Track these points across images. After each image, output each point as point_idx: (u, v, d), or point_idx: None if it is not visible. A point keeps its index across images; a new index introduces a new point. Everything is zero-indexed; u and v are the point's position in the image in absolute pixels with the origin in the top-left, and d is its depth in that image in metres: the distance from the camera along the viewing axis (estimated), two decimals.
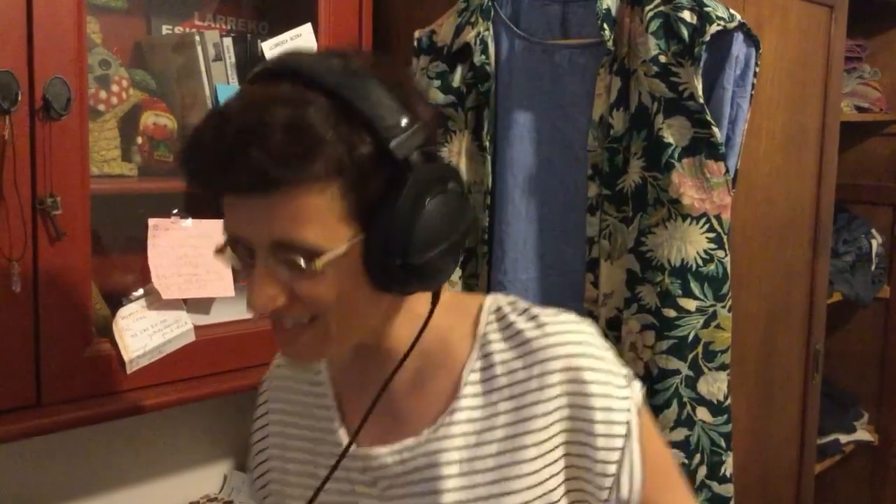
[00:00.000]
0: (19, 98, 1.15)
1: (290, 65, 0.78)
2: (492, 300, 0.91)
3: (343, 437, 0.91)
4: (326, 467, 0.89)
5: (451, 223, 0.79)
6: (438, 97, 1.43)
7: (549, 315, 0.88)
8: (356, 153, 0.74)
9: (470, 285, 1.45)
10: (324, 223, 0.76)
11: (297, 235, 0.76)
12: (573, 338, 0.86)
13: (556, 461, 0.84)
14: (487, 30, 1.40)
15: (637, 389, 0.88)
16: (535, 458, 0.84)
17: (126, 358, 1.30)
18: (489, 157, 1.41)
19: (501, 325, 0.88)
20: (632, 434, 0.85)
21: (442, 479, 0.85)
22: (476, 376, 0.87)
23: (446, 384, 0.88)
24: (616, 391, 0.85)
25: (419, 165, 0.77)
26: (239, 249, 0.81)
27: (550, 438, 0.84)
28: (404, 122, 0.76)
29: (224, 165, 0.74)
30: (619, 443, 0.84)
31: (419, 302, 0.87)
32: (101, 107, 1.37)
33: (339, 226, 0.77)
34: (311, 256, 0.76)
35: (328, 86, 0.75)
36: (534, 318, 0.87)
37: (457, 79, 1.43)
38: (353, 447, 0.88)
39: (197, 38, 1.45)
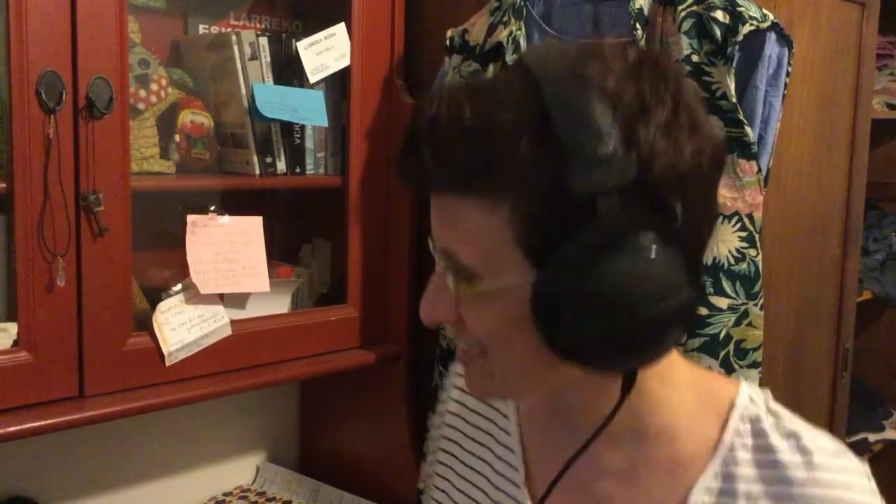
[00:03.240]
0: (64, 97, 1.18)
1: (530, 57, 0.65)
2: (747, 400, 0.74)
3: None
4: None
5: (637, 292, 0.61)
6: None
7: (823, 451, 0.70)
8: (537, 178, 0.61)
9: None
10: (488, 247, 0.64)
11: (457, 249, 0.66)
12: (848, 497, 0.67)
13: None
14: (520, 29, 1.41)
15: None
16: None
17: (165, 351, 1.33)
18: None
19: (757, 444, 0.71)
20: None
21: None
22: (710, 499, 0.70)
23: (668, 492, 0.72)
24: None
25: (611, 210, 0.59)
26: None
27: None
28: (604, 151, 0.59)
29: (402, 156, 0.67)
30: None
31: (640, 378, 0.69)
32: (141, 105, 1.39)
33: (507, 256, 0.64)
34: (467, 277, 0.66)
35: (542, 92, 0.61)
36: (804, 450, 0.70)
37: None
38: None
39: (233, 37, 1.47)
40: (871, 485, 0.70)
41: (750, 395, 0.74)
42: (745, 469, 0.70)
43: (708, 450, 0.72)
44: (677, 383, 0.74)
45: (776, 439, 0.70)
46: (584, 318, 0.61)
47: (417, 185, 0.69)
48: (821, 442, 0.71)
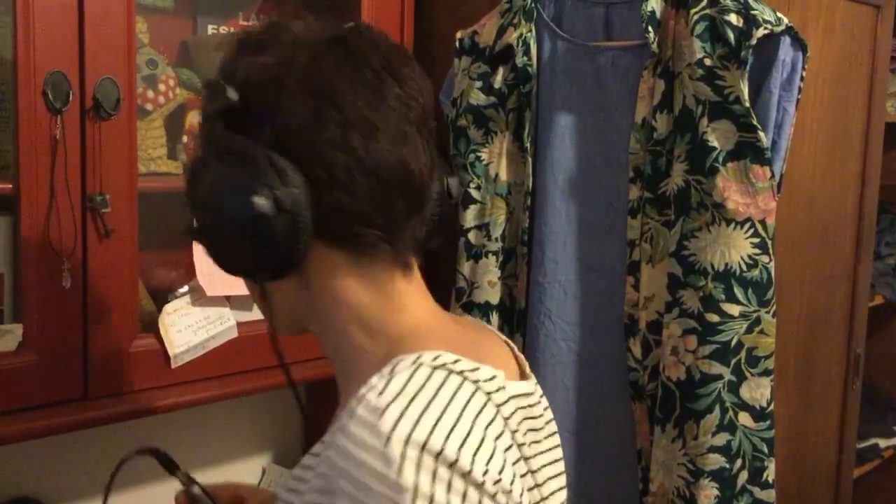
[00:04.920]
0: (70, 98, 1.18)
1: None
2: (407, 362, 0.71)
3: None
4: None
5: (217, 200, 0.76)
6: (480, 98, 1.43)
7: (372, 407, 0.67)
8: (207, 113, 0.80)
9: (509, 286, 1.45)
10: None
11: None
12: (351, 451, 0.66)
13: None
14: (530, 31, 1.40)
15: None
16: None
17: (171, 353, 1.32)
18: (530, 159, 1.41)
19: (359, 393, 0.70)
20: None
21: None
22: (328, 438, 0.73)
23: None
24: None
25: (215, 130, 0.77)
26: None
27: None
28: (211, 84, 0.78)
29: None
30: None
31: (335, 309, 0.81)
32: (149, 106, 1.39)
33: None
34: None
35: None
36: (362, 404, 0.68)
37: (498, 80, 1.42)
38: None
39: None
40: (380, 444, 0.65)
41: (413, 358, 0.71)
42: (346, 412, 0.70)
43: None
44: (385, 339, 0.79)
45: (362, 398, 0.69)
46: (211, 226, 0.79)
47: None
48: (391, 400, 0.67)
